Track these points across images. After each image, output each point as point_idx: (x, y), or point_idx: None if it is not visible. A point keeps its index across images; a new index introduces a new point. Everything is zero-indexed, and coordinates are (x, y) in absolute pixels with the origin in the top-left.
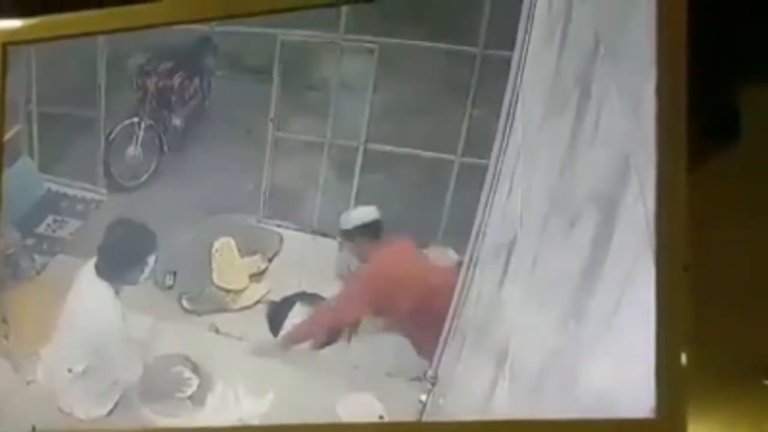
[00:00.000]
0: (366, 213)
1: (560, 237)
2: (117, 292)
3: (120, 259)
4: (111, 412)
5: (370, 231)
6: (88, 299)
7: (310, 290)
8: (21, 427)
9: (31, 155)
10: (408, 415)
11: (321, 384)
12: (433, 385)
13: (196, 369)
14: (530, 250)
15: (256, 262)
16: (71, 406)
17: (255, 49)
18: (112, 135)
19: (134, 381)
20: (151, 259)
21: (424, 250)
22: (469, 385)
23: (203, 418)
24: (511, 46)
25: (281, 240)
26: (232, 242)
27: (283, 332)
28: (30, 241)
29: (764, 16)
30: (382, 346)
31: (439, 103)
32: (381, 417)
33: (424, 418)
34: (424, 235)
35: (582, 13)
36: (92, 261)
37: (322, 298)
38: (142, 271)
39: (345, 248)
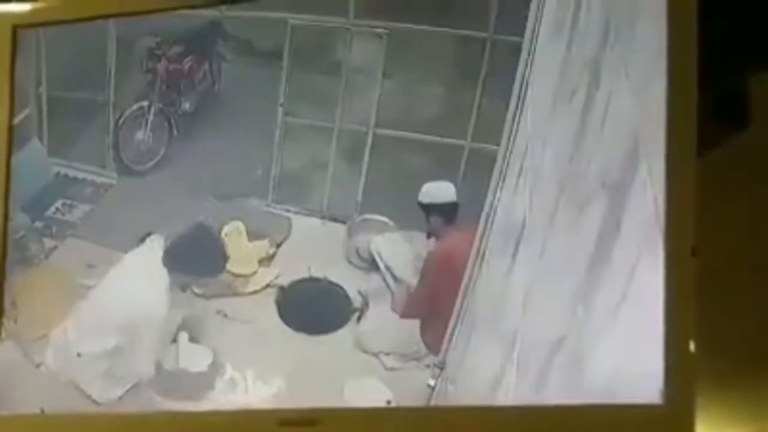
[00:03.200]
0: (447, 193)
1: (569, 223)
2: (170, 288)
3: (190, 262)
4: (122, 396)
5: (448, 211)
6: (141, 281)
7: (318, 275)
8: (30, 409)
9: (41, 139)
10: (416, 400)
11: (329, 368)
12: (441, 370)
13: (204, 353)
14: (539, 236)
15: (264, 247)
16: (85, 386)
17: (265, 33)
18: (122, 119)
19: (143, 375)
20: (213, 276)
21: None
22: (478, 371)
23: (212, 402)
24: (522, 31)
25: (290, 225)
26: (242, 226)
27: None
28: (39, 225)
29: None
30: (391, 330)
31: (448, 89)
32: (389, 402)
33: (432, 403)
34: None
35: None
36: (148, 248)
37: (334, 284)
38: (200, 282)
39: (429, 221)
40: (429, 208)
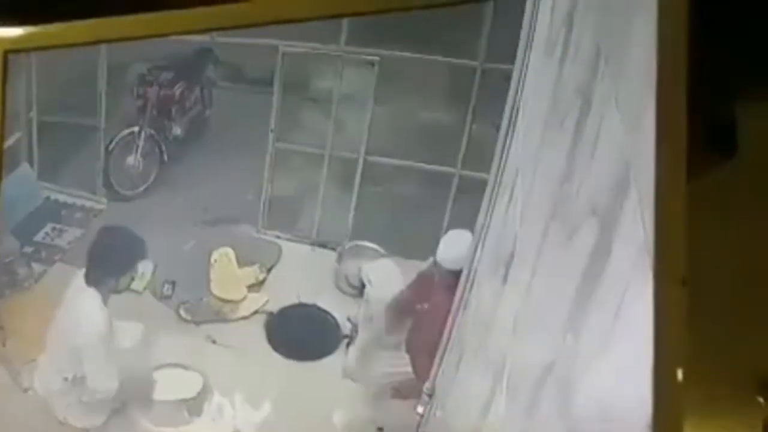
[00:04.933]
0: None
1: (559, 249)
2: (104, 301)
3: (108, 267)
4: (106, 422)
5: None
6: (76, 307)
7: (308, 302)
8: None
9: (31, 163)
10: (405, 428)
11: (318, 395)
12: (430, 397)
13: (192, 379)
14: (529, 262)
15: (254, 273)
16: (66, 415)
17: (256, 60)
18: (112, 144)
19: (104, 394)
20: (140, 267)
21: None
22: (467, 398)
23: (200, 428)
24: (512, 59)
25: (280, 251)
26: (231, 252)
27: None
28: (28, 249)
29: (763, 30)
30: (380, 357)
31: (439, 115)
32: (380, 429)
33: (422, 430)
34: (425, 248)
35: (583, 26)
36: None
37: (323, 311)
38: (132, 278)
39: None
40: (444, 270)
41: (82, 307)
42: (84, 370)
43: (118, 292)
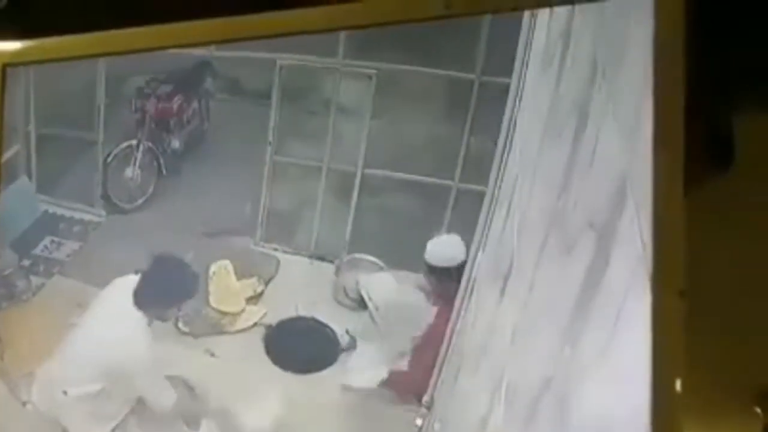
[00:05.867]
0: (457, 252)
1: (556, 262)
2: (149, 323)
3: (161, 296)
4: None
5: (455, 273)
6: (118, 325)
7: (306, 314)
8: None
9: (29, 176)
10: None
11: (316, 407)
12: (428, 409)
13: (191, 392)
14: (527, 276)
15: (252, 285)
16: (70, 427)
17: (254, 73)
18: (111, 157)
19: (165, 406)
20: (189, 302)
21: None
22: (465, 410)
23: None
24: (509, 72)
25: (278, 264)
26: (229, 265)
27: None
28: (26, 262)
29: (760, 42)
30: (379, 368)
31: (437, 129)
32: None
33: None
34: (421, 262)
35: (581, 39)
36: (119, 286)
37: (322, 323)
38: (179, 310)
39: (428, 279)
40: (435, 270)
41: (126, 326)
42: (118, 386)
43: (164, 320)
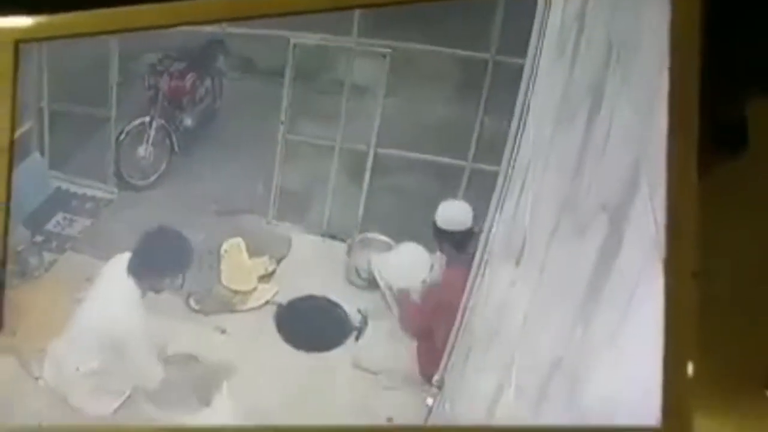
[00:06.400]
0: (465, 218)
1: (569, 244)
2: (143, 296)
3: (155, 266)
4: (117, 409)
5: (462, 238)
6: (112, 298)
7: (318, 292)
8: (28, 423)
9: (42, 153)
10: (415, 418)
11: (327, 386)
12: (439, 389)
13: (202, 368)
14: (539, 256)
15: (264, 264)
16: (79, 402)
17: (267, 51)
18: (123, 134)
19: (154, 381)
20: (182, 274)
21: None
22: (476, 390)
23: (208, 417)
24: (524, 53)
25: (290, 242)
26: (242, 243)
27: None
28: (39, 239)
29: None
30: (389, 350)
31: (450, 109)
32: (390, 419)
33: (430, 422)
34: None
35: (595, 22)
36: (119, 261)
37: (333, 302)
38: (171, 282)
39: (439, 245)
40: (443, 234)
41: (118, 298)
42: (117, 360)
43: (157, 291)
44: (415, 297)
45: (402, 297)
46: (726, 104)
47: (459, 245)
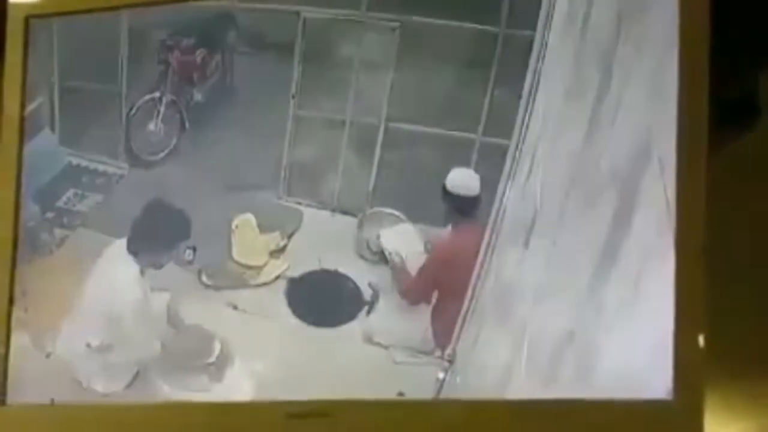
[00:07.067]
0: (472, 185)
1: (580, 217)
2: (142, 272)
3: (152, 241)
4: (128, 386)
5: (469, 204)
6: (113, 275)
7: (329, 267)
8: (40, 400)
9: (53, 128)
10: (425, 392)
11: (339, 361)
12: (450, 363)
13: (213, 344)
14: (550, 230)
15: (275, 239)
16: (89, 379)
17: (277, 26)
18: (134, 110)
19: (152, 357)
20: (181, 247)
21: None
22: (487, 364)
23: (220, 393)
24: (534, 26)
25: (301, 217)
26: (252, 219)
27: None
28: (50, 215)
29: None
30: (400, 324)
31: (460, 82)
32: (401, 393)
33: (442, 396)
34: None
35: None
36: (122, 237)
37: (344, 277)
38: (170, 257)
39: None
40: (451, 197)
41: (119, 275)
42: (118, 337)
43: (157, 267)
44: (414, 264)
45: (400, 264)
46: (737, 77)
47: (466, 211)
